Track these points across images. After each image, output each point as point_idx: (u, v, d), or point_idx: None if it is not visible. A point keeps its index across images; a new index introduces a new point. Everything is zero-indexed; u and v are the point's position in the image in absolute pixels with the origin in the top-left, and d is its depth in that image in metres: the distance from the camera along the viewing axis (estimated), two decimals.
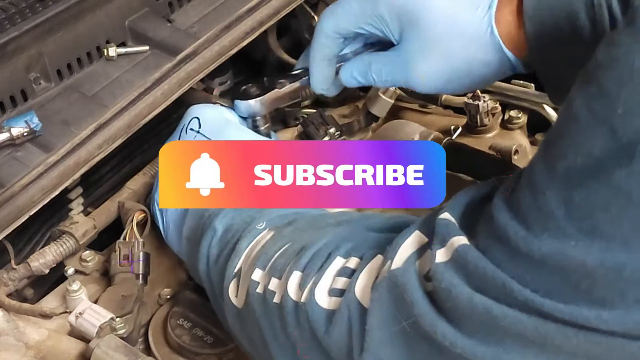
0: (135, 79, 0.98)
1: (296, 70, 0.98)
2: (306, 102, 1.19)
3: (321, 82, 0.91)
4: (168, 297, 0.95)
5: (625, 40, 0.50)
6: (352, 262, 0.70)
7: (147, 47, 1.01)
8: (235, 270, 0.78)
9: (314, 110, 1.16)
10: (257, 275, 0.75)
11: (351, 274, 0.69)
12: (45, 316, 0.88)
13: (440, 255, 0.59)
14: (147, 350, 0.91)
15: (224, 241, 0.82)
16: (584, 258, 0.50)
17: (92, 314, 0.85)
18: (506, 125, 1.15)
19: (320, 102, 1.21)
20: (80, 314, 0.85)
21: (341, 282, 0.68)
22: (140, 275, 0.94)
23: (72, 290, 0.90)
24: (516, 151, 1.09)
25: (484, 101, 1.12)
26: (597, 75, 0.51)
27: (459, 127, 1.14)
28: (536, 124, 1.16)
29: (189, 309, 0.91)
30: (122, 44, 1.03)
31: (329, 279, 0.69)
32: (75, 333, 0.87)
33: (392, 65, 0.85)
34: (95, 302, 0.90)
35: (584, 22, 0.73)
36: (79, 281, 0.92)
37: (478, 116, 1.12)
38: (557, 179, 0.52)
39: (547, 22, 0.75)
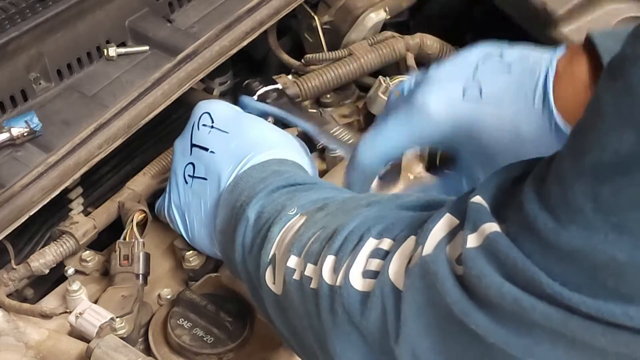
0: (135, 79, 0.98)
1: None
2: (306, 102, 1.19)
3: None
4: (168, 297, 0.95)
5: None
6: (385, 244, 0.68)
7: (147, 47, 1.01)
8: (270, 257, 0.77)
9: (314, 111, 1.16)
10: (293, 261, 0.74)
11: (384, 255, 0.67)
12: (45, 316, 0.88)
13: (472, 241, 0.58)
14: (147, 350, 0.91)
15: (256, 229, 0.81)
16: (613, 253, 0.50)
17: (92, 314, 0.85)
18: None
19: (320, 102, 1.21)
20: (80, 314, 0.85)
21: (375, 264, 0.67)
22: (140, 275, 0.94)
23: (72, 290, 0.90)
24: None
25: None
26: (623, 70, 0.50)
27: None
28: None
29: (189, 309, 0.91)
30: (122, 44, 1.03)
31: (362, 260, 0.68)
32: (75, 333, 0.87)
33: (462, 186, 0.80)
34: (95, 302, 0.90)
35: None
36: (79, 281, 0.92)
37: None
38: (584, 173, 0.51)
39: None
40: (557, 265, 0.53)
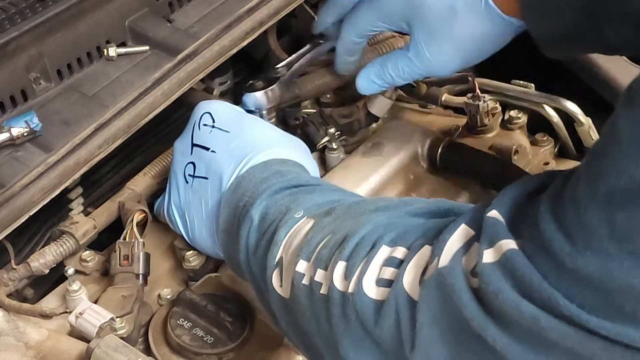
0: (135, 79, 0.98)
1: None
2: (306, 102, 1.19)
3: (347, 69, 1.06)
4: (168, 297, 0.95)
5: None
6: (399, 252, 0.68)
7: (147, 47, 1.01)
8: (276, 260, 0.77)
9: (314, 111, 1.16)
10: (302, 266, 0.74)
11: (399, 264, 0.67)
12: (45, 316, 0.88)
13: (488, 256, 0.58)
14: (147, 350, 0.91)
15: (261, 230, 0.81)
16: (629, 280, 0.50)
17: (92, 314, 0.85)
18: (506, 125, 1.14)
19: (320, 102, 1.21)
20: (80, 314, 0.85)
21: (389, 273, 0.67)
22: (140, 275, 0.94)
23: (72, 290, 0.90)
24: (516, 151, 1.08)
25: (484, 101, 1.12)
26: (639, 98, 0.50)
27: (459, 127, 1.13)
28: (536, 124, 1.15)
29: (189, 309, 0.91)
30: (122, 44, 1.03)
31: (376, 268, 0.68)
32: (75, 333, 0.87)
33: (407, 59, 0.93)
34: (95, 302, 0.90)
35: None
36: (79, 281, 0.92)
37: (478, 116, 1.12)
38: (599, 199, 0.52)
39: None
40: (574, 287, 0.53)
